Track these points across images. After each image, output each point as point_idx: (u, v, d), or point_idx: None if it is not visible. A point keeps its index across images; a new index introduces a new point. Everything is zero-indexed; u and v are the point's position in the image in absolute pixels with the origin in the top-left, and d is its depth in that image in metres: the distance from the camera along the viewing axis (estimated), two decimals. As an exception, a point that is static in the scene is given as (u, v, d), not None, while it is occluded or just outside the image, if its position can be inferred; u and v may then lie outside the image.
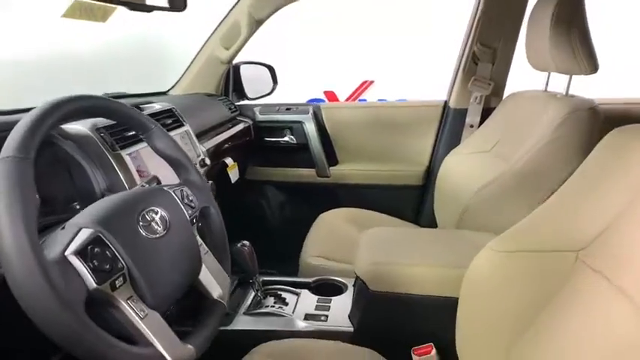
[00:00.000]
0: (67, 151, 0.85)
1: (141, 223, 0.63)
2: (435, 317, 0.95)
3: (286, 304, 1.12)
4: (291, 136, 1.88)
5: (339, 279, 1.22)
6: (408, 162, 1.85)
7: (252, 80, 1.97)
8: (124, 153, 0.95)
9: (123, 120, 0.74)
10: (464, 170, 1.49)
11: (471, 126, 1.69)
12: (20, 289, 0.47)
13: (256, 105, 1.92)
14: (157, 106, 1.24)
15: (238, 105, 1.89)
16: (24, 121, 0.55)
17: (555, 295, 0.72)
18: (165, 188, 0.73)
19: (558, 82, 1.37)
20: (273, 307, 1.11)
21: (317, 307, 1.11)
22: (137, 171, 0.96)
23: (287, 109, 1.88)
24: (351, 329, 1.03)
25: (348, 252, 1.39)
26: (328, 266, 1.31)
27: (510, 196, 1.23)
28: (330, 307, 1.11)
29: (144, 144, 1.04)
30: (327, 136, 1.87)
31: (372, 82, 4.78)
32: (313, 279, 1.23)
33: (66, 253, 0.53)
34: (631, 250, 0.62)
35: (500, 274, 0.80)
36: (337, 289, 1.20)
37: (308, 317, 1.07)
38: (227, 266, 0.81)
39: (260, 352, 0.93)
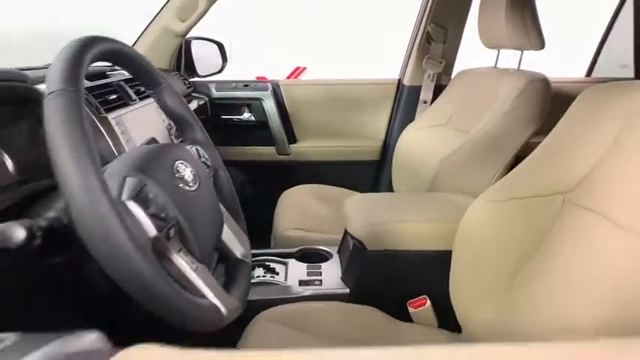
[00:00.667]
0: None
1: (176, 175, 0.59)
2: (430, 271, 1.01)
3: (277, 274, 1.12)
4: (250, 114, 1.84)
5: (322, 247, 1.24)
6: (364, 138, 1.91)
7: (202, 57, 1.89)
8: (110, 117, 0.88)
9: (137, 71, 0.69)
10: (423, 143, 1.57)
11: (425, 102, 1.79)
12: (91, 231, 0.42)
13: (211, 81, 1.85)
14: (126, 72, 1.14)
15: (191, 82, 1.80)
16: (64, 53, 0.48)
17: (546, 236, 0.80)
18: (181, 144, 0.70)
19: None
20: (265, 277, 1.10)
21: (309, 274, 1.12)
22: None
23: (245, 85, 1.84)
24: (347, 290, 1.06)
25: (322, 224, 1.42)
26: (308, 237, 1.32)
27: (474, 162, 1.34)
28: (321, 272, 1.12)
29: (127, 109, 0.98)
30: (286, 113, 1.87)
31: (304, 68, 4.81)
32: (296, 249, 1.23)
33: (123, 199, 0.48)
34: (617, 185, 0.71)
35: (493, 222, 0.87)
36: (322, 257, 1.21)
37: (302, 283, 1.08)
38: (243, 226, 0.79)
39: (264, 318, 0.92)
